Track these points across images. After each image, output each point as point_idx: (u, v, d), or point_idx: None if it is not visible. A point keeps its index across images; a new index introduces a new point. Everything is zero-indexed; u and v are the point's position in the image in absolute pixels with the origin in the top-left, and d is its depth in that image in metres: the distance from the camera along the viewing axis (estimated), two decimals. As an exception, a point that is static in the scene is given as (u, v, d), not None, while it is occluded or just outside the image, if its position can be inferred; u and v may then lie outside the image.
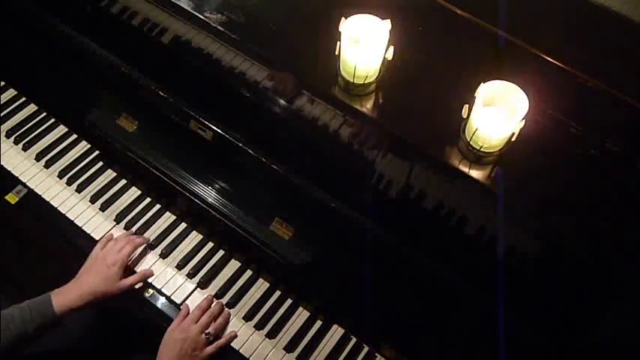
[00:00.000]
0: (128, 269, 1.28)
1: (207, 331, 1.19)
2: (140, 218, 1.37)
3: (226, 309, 1.26)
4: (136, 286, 1.27)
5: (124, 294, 1.23)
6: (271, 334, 1.25)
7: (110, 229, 1.35)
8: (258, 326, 1.26)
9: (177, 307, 1.27)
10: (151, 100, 1.34)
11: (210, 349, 1.18)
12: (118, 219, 1.36)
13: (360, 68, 1.00)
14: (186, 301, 1.27)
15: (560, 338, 1.09)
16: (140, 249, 1.31)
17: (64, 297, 1.15)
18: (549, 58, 1.13)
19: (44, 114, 1.51)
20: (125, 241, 1.28)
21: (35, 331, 1.11)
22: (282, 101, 1.20)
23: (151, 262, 1.31)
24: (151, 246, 1.33)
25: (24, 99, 1.53)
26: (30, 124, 1.49)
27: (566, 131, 1.06)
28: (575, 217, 0.99)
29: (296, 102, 1.17)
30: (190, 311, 1.24)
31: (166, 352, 1.15)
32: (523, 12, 1.21)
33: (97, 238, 1.33)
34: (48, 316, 1.12)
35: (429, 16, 1.21)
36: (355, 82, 1.03)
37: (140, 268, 1.30)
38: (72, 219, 1.36)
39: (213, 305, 1.25)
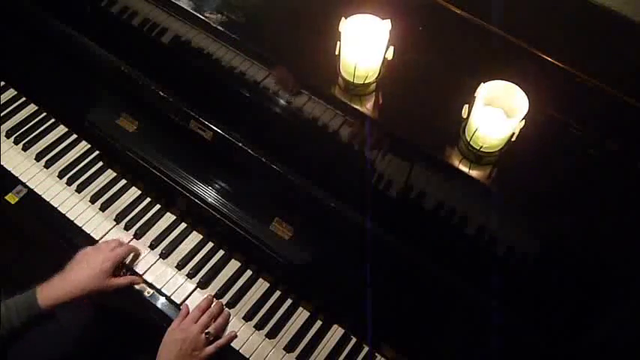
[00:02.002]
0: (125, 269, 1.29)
1: (206, 331, 1.19)
2: (140, 218, 1.37)
3: (226, 309, 1.26)
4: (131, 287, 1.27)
5: (110, 293, 1.22)
6: (271, 334, 1.25)
7: (110, 229, 1.35)
8: (258, 326, 1.26)
9: (177, 307, 1.27)
10: (151, 100, 1.34)
11: (210, 349, 1.18)
12: (118, 219, 1.36)
13: (360, 68, 1.00)
14: (186, 302, 1.27)
15: (560, 338, 1.09)
16: (131, 255, 1.31)
17: (49, 291, 1.15)
18: (549, 58, 1.13)
19: (44, 114, 1.51)
20: (118, 243, 1.28)
21: (23, 326, 1.12)
22: (282, 101, 1.20)
23: (150, 261, 1.32)
24: (151, 246, 1.33)
25: (24, 99, 1.53)
26: (30, 124, 1.49)
27: (566, 131, 1.06)
28: (575, 216, 0.99)
29: (296, 102, 1.17)
30: (190, 311, 1.24)
31: (166, 352, 1.15)
32: (523, 12, 1.21)
33: (97, 238, 1.34)
34: (33, 311, 1.13)
35: (429, 16, 1.21)
36: (355, 82, 1.03)
37: (137, 268, 1.30)
38: (72, 219, 1.36)
39: (212, 305, 1.25)
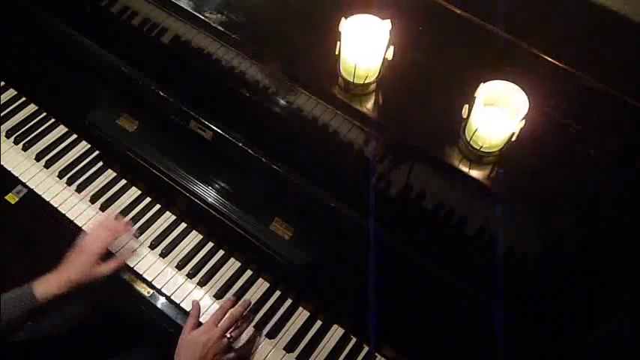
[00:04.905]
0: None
1: (228, 335, 1.18)
2: (140, 218, 1.37)
3: (252, 315, 1.25)
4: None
5: (105, 280, 1.22)
6: (271, 334, 1.25)
7: (110, 229, 1.35)
8: (258, 326, 1.26)
9: (177, 306, 1.27)
10: (151, 100, 1.34)
11: (231, 355, 1.17)
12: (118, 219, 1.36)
13: (360, 68, 1.00)
14: (191, 301, 1.27)
15: (560, 338, 1.09)
16: (126, 238, 1.30)
17: (44, 285, 1.16)
18: (549, 58, 1.13)
19: (44, 114, 1.51)
20: (104, 229, 1.26)
21: (20, 318, 1.12)
22: (282, 101, 1.20)
23: (150, 261, 1.31)
24: (151, 246, 1.33)
25: (24, 99, 1.53)
26: (30, 124, 1.49)
27: (566, 131, 1.06)
28: (575, 217, 0.99)
29: (296, 102, 1.17)
30: (200, 311, 1.24)
31: (184, 353, 1.14)
32: (523, 12, 1.21)
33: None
34: (30, 304, 1.13)
35: (429, 16, 1.21)
36: (355, 82, 1.03)
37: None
38: (72, 219, 1.36)
39: (234, 308, 1.23)
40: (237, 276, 1.32)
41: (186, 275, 1.31)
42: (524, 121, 0.93)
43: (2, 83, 1.55)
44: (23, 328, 1.15)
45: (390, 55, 1.01)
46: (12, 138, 1.46)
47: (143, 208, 1.39)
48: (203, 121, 1.27)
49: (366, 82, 1.03)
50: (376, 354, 1.25)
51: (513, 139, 0.96)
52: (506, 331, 1.13)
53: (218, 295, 1.29)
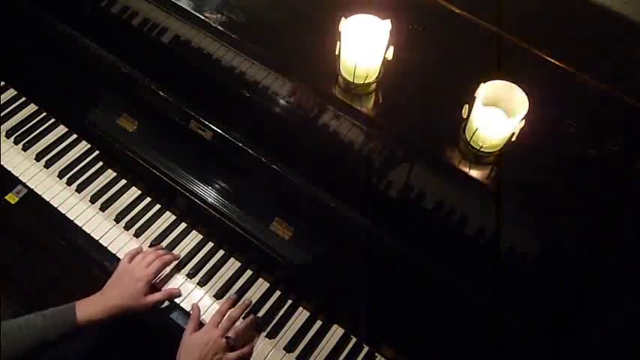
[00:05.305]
0: (154, 286, 1.27)
1: (227, 335, 1.17)
2: (140, 218, 1.37)
3: (252, 316, 1.25)
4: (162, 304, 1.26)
5: (147, 310, 1.21)
6: (271, 334, 1.25)
7: (110, 229, 1.35)
8: (259, 326, 1.26)
9: (177, 306, 1.27)
10: (151, 100, 1.34)
11: (231, 355, 1.17)
12: (118, 219, 1.36)
13: (360, 68, 1.00)
14: (188, 302, 1.27)
15: (560, 338, 1.09)
16: (169, 267, 1.29)
17: (87, 309, 1.14)
18: (549, 58, 1.13)
19: (44, 114, 1.51)
20: (154, 257, 1.25)
21: (57, 338, 1.10)
22: (282, 101, 1.20)
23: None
24: (150, 246, 1.33)
25: (24, 99, 1.53)
26: (30, 124, 1.49)
27: (566, 131, 1.06)
28: (575, 217, 0.99)
29: (296, 102, 1.17)
30: (200, 313, 1.24)
31: (185, 355, 1.14)
32: (523, 12, 1.21)
33: (97, 238, 1.34)
34: (69, 325, 1.12)
35: (429, 16, 1.21)
36: (355, 82, 1.03)
37: (169, 285, 1.29)
38: (72, 219, 1.36)
39: (232, 309, 1.23)
40: (237, 276, 1.32)
41: (186, 275, 1.31)
42: (524, 121, 0.93)
43: (2, 83, 1.55)
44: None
45: (390, 55, 1.01)
46: (12, 138, 1.46)
47: (143, 208, 1.39)
48: (203, 121, 1.27)
49: (366, 82, 1.03)
50: (376, 354, 1.25)
51: (513, 139, 0.96)
52: (506, 331, 1.13)
53: (218, 295, 1.29)
